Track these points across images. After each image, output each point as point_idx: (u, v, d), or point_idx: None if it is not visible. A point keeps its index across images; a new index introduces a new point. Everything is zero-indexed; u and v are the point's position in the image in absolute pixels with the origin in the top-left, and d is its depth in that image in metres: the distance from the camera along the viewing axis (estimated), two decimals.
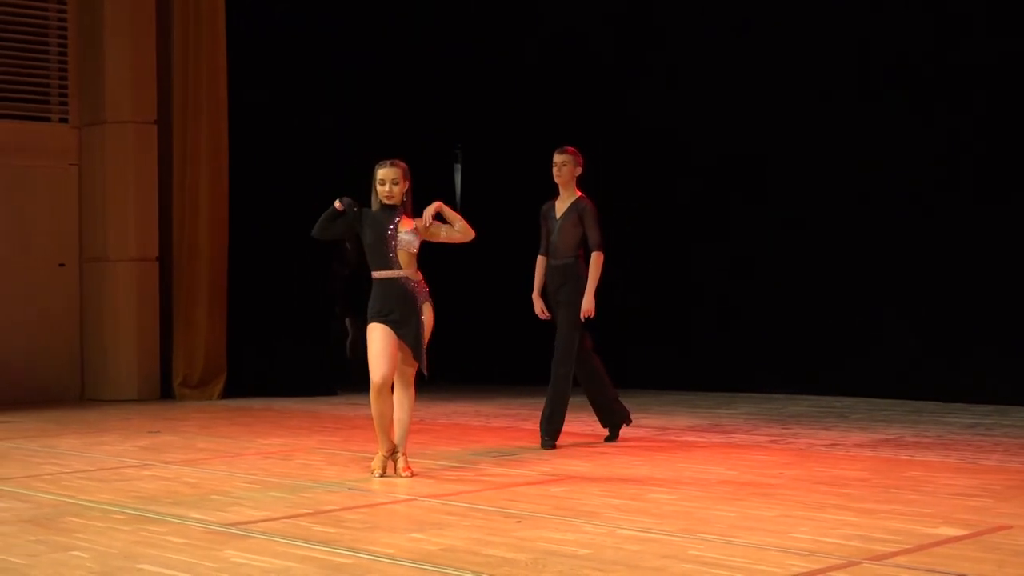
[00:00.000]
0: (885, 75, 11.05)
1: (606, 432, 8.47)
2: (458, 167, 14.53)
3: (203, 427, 9.91)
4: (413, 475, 6.91)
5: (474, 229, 7.10)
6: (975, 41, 10.56)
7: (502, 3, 13.76)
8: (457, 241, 7.16)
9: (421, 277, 7.02)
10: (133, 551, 5.08)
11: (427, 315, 6.98)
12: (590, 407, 8.44)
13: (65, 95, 12.73)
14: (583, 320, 8.04)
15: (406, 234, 6.92)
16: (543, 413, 8.12)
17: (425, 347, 6.94)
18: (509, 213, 11.91)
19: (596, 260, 8.02)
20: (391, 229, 6.92)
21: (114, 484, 6.92)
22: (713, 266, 12.15)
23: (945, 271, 10.70)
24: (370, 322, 6.95)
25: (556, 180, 8.17)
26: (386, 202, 6.94)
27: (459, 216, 7.11)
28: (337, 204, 6.98)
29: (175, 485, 6.84)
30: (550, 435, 8.07)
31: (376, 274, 6.99)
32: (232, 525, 5.60)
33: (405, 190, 6.97)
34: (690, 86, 12.32)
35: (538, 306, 8.23)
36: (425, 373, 7.03)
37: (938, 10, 10.79)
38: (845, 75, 11.30)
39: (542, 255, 8.26)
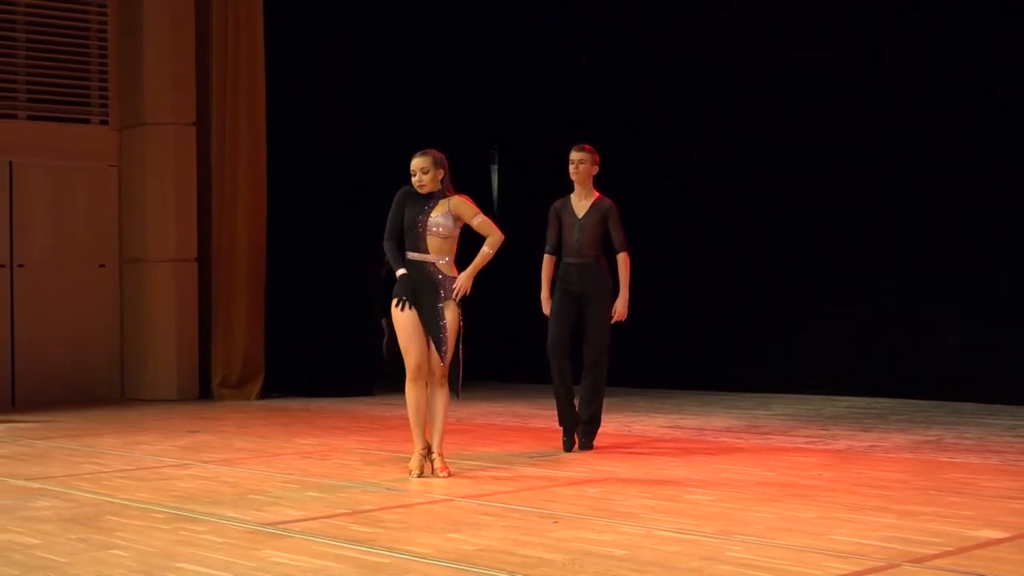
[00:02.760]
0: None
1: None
2: (495, 168, 14.54)
3: (241, 427, 9.95)
4: (450, 475, 6.89)
5: (505, 232, 7.02)
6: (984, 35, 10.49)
7: (539, 5, 13.78)
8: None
9: (455, 272, 6.94)
10: (172, 550, 5.10)
11: (450, 314, 6.91)
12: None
13: (105, 97, 12.83)
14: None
15: (438, 217, 6.89)
16: (580, 416, 8.03)
17: (450, 353, 6.86)
18: (546, 213, 11.93)
19: (625, 262, 7.97)
20: (425, 211, 6.90)
21: (153, 483, 6.96)
22: (750, 266, 12.09)
23: (986, 271, 10.61)
24: (393, 296, 6.95)
25: (573, 177, 8.06)
26: (420, 191, 6.93)
27: (482, 258, 6.96)
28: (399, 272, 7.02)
29: (213, 484, 6.88)
30: (588, 428, 8.05)
31: (408, 255, 6.97)
32: (270, 525, 5.62)
33: (440, 178, 6.92)
34: (702, 95, 12.30)
35: (548, 307, 8.08)
36: (442, 363, 6.90)
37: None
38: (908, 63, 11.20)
39: (550, 254, 8.13)
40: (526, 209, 12.57)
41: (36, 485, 6.95)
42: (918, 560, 4.70)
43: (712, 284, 12.35)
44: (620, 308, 7.98)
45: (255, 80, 12.60)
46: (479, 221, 6.98)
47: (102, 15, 12.78)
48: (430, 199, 6.93)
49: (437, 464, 6.94)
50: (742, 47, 12.09)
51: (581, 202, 8.08)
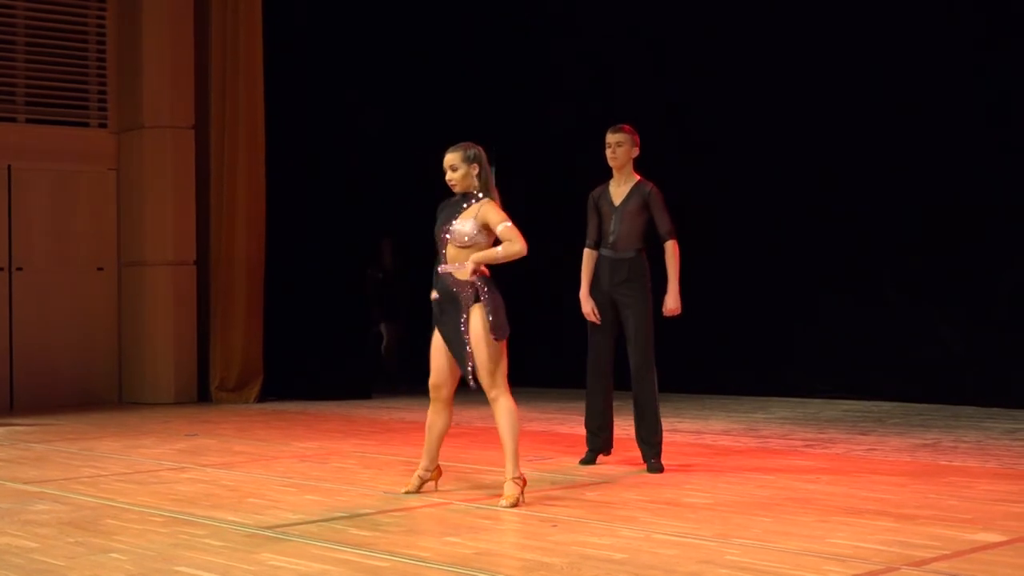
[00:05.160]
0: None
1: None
2: (493, 169, 14.53)
3: (240, 430, 9.95)
4: (514, 506, 6.06)
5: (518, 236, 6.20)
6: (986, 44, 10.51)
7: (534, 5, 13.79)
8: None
9: (475, 278, 6.17)
10: (171, 553, 5.11)
11: (475, 319, 6.16)
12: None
13: (104, 101, 12.84)
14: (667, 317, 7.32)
15: (460, 224, 6.20)
16: (637, 434, 7.32)
17: (471, 354, 6.16)
18: (545, 211, 11.96)
19: (673, 250, 7.24)
20: (454, 217, 6.25)
21: (152, 487, 6.96)
22: (748, 269, 12.10)
23: (985, 274, 10.62)
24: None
25: (611, 163, 7.31)
26: (454, 190, 6.33)
27: (493, 254, 6.20)
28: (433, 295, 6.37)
29: (212, 488, 6.88)
30: (651, 449, 7.28)
31: (437, 269, 6.31)
32: (269, 528, 5.63)
33: (475, 174, 6.22)
34: (698, 98, 12.31)
35: (588, 306, 7.34)
36: (469, 383, 6.31)
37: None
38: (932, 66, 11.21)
39: (590, 248, 7.38)
40: (526, 207, 12.63)
41: (34, 488, 6.95)
42: (916, 564, 4.70)
43: (710, 287, 12.31)
44: (670, 303, 7.31)
45: (254, 83, 12.61)
46: (503, 229, 6.14)
47: (101, 19, 12.79)
48: (463, 203, 6.26)
49: (506, 490, 6.16)
50: (736, 53, 12.09)
51: (619, 188, 7.34)
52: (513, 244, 6.12)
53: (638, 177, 7.34)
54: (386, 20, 13.57)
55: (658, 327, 7.36)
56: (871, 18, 11.23)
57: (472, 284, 6.17)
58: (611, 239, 7.28)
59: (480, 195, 6.26)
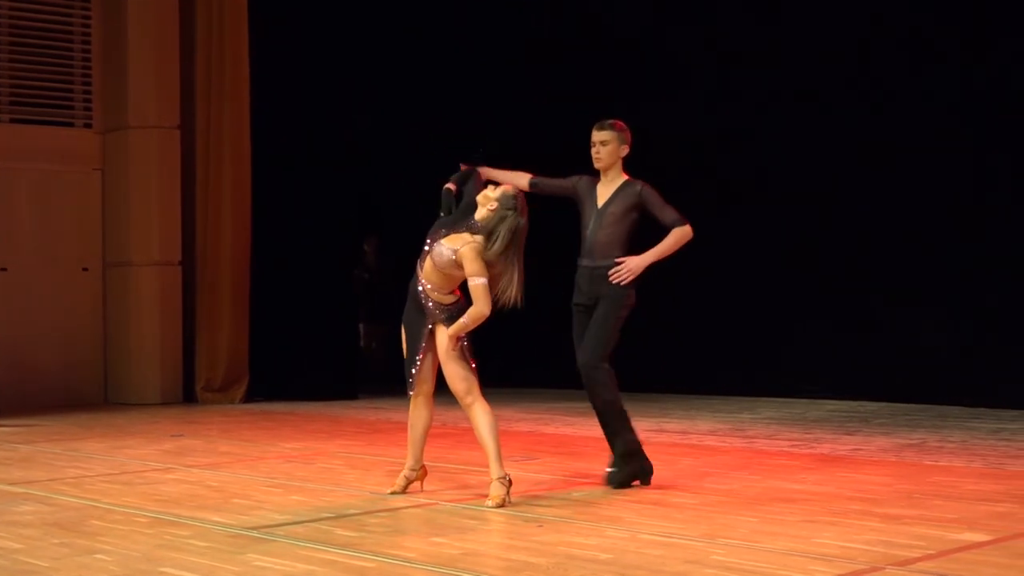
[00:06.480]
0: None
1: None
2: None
3: (225, 431, 9.93)
4: (500, 506, 6.04)
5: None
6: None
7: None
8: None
9: (451, 301, 6.22)
10: (156, 554, 5.09)
11: (441, 336, 6.20)
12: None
13: (89, 100, 12.80)
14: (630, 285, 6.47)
15: (442, 247, 6.15)
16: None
17: (422, 360, 6.23)
18: (538, 213, 11.92)
19: (680, 234, 6.45)
20: (446, 229, 6.21)
21: (137, 488, 6.94)
22: (735, 269, 12.10)
23: (970, 274, 10.64)
24: None
25: (595, 164, 6.55)
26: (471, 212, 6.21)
27: (467, 319, 6.13)
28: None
29: (197, 489, 6.86)
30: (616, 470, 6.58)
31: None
32: (254, 529, 5.61)
33: (479, 194, 6.18)
34: (687, 100, 12.32)
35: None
36: (408, 385, 6.33)
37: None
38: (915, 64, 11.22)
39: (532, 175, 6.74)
40: None
41: (19, 489, 6.92)
42: (902, 563, 4.71)
43: (697, 287, 12.34)
44: (633, 261, 6.45)
45: (240, 83, 12.58)
46: (473, 284, 6.05)
47: (86, 18, 12.75)
48: (460, 223, 6.21)
49: (492, 490, 6.13)
50: (736, 52, 12.07)
51: (605, 188, 6.58)
52: (477, 305, 6.07)
53: (626, 176, 6.63)
54: (373, 20, 13.54)
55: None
56: (871, 19, 11.21)
57: (442, 305, 6.23)
58: (589, 244, 6.54)
59: (475, 227, 6.15)
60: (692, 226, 6.55)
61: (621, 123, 6.62)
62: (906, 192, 10.99)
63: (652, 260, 6.45)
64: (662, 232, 6.57)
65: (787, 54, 11.72)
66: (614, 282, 6.43)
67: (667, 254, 6.49)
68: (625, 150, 6.59)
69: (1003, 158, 10.50)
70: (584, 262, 6.57)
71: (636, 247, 6.56)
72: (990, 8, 10.55)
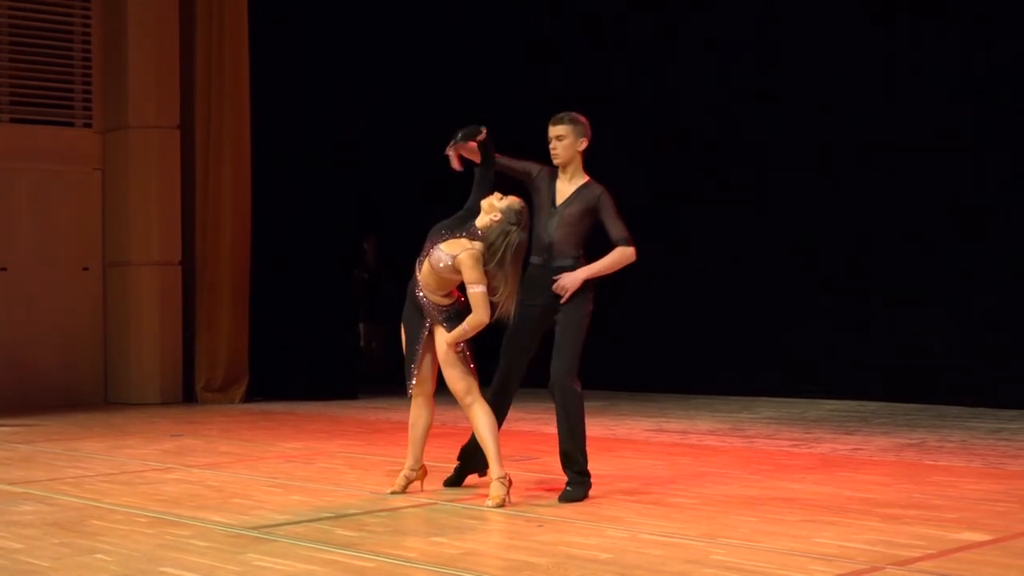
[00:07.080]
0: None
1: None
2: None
3: (225, 431, 9.94)
4: (500, 506, 6.02)
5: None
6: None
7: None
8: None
9: (448, 303, 6.23)
10: (156, 554, 5.09)
11: (440, 338, 6.21)
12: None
13: (89, 100, 12.80)
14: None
15: (440, 252, 6.12)
16: (562, 448, 6.34)
17: (420, 360, 6.24)
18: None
19: (622, 253, 6.22)
20: (448, 233, 6.16)
21: (137, 487, 6.94)
22: (735, 269, 12.11)
23: (969, 275, 10.64)
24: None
25: (554, 160, 6.30)
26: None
27: (466, 325, 6.14)
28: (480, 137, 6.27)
29: (198, 488, 6.86)
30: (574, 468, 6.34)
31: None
32: (254, 529, 5.62)
33: (489, 200, 6.12)
34: (687, 97, 12.31)
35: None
36: (408, 388, 6.34)
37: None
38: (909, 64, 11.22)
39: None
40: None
41: (19, 489, 6.92)
42: (902, 563, 4.71)
43: (697, 286, 12.36)
44: (575, 276, 6.17)
45: (240, 83, 12.58)
46: (472, 292, 6.02)
47: (86, 18, 12.74)
48: (460, 228, 6.16)
49: (492, 490, 6.10)
50: (735, 51, 12.07)
51: (565, 186, 6.31)
52: (476, 313, 6.05)
53: (587, 178, 6.32)
54: (373, 22, 13.54)
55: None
56: (871, 18, 11.22)
57: (440, 306, 6.23)
58: (546, 241, 6.26)
59: (474, 234, 6.11)
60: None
61: (578, 115, 6.33)
62: (906, 192, 10.99)
63: (586, 277, 6.19)
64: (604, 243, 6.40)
65: (787, 54, 11.75)
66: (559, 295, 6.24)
67: (604, 273, 6.23)
68: (583, 143, 6.29)
69: (1003, 158, 10.51)
70: (538, 259, 6.31)
71: (592, 251, 6.39)
72: (990, 8, 10.56)
